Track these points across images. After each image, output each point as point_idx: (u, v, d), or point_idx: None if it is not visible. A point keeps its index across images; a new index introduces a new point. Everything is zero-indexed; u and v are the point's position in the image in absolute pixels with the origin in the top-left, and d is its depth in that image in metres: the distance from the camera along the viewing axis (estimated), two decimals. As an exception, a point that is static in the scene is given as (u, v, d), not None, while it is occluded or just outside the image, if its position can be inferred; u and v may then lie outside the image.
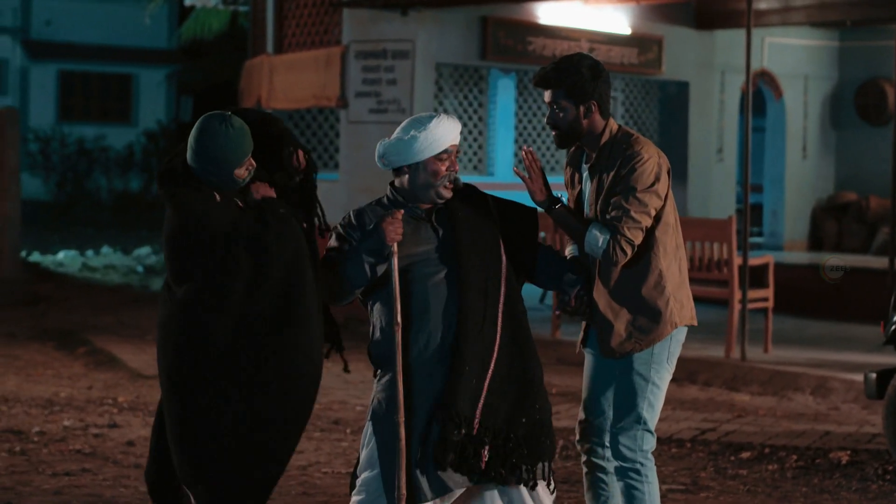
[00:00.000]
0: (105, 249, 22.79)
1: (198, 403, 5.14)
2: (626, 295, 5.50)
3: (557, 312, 5.83)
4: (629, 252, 5.43)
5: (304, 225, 5.32)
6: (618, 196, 5.42)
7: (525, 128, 16.54)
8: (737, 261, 11.68)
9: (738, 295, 11.65)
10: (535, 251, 5.47)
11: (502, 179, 15.52)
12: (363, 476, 5.31)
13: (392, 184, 5.41)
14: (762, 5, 15.75)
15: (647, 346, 5.51)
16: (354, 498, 5.32)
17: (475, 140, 15.84)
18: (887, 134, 17.98)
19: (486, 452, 5.18)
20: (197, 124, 5.24)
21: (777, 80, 17.84)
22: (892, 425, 8.17)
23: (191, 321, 5.14)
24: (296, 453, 8.18)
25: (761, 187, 18.82)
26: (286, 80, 15.10)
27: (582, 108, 5.51)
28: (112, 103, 36.26)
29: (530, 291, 5.43)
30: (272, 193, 5.33)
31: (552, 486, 5.32)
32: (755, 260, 12.16)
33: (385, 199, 5.43)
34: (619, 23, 15.50)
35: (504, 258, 5.33)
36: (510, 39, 14.71)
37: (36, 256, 21.40)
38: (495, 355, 5.23)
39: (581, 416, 5.76)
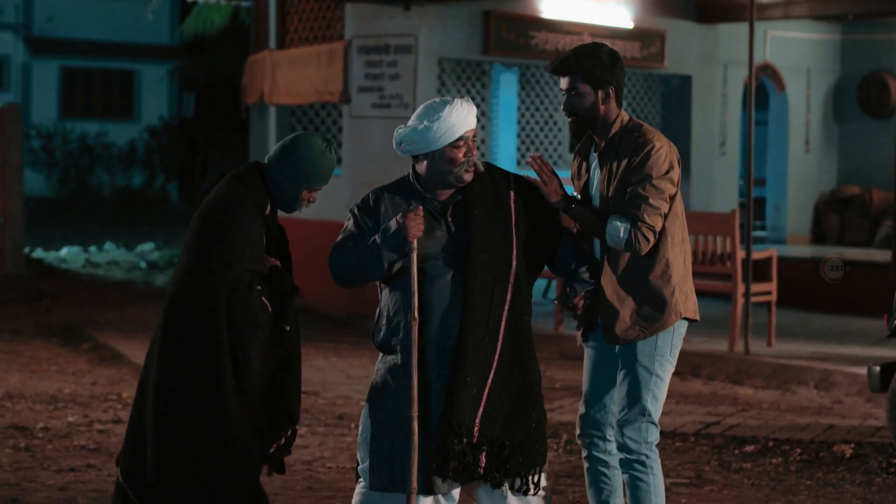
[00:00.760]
0: (108, 245, 22.79)
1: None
2: (632, 282, 5.52)
3: (556, 301, 5.77)
4: (651, 239, 5.45)
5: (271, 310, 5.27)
6: (634, 185, 5.44)
7: (528, 122, 16.53)
8: (740, 254, 11.68)
9: (741, 289, 11.65)
10: (558, 236, 5.44)
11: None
12: (364, 466, 5.33)
13: (413, 168, 5.39)
14: (765, -1, 15.76)
15: (651, 335, 5.52)
16: (359, 488, 5.33)
17: (477, 134, 15.83)
18: (890, 127, 17.96)
19: (483, 458, 5.19)
20: (299, 136, 5.31)
21: (780, 73, 17.84)
22: (895, 418, 8.17)
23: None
24: (301, 448, 8.22)
25: (764, 181, 18.80)
26: (289, 76, 15.10)
27: (600, 94, 5.54)
28: (114, 99, 36.26)
29: (534, 285, 5.42)
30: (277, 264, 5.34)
31: (541, 493, 5.31)
32: (758, 254, 12.16)
33: (405, 183, 5.39)
34: (621, 17, 15.50)
35: (515, 263, 5.27)
36: (513, 34, 14.71)
37: (39, 253, 21.41)
38: (495, 364, 5.21)
39: (581, 410, 5.77)
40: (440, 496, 5.27)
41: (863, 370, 10.22)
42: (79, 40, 35.63)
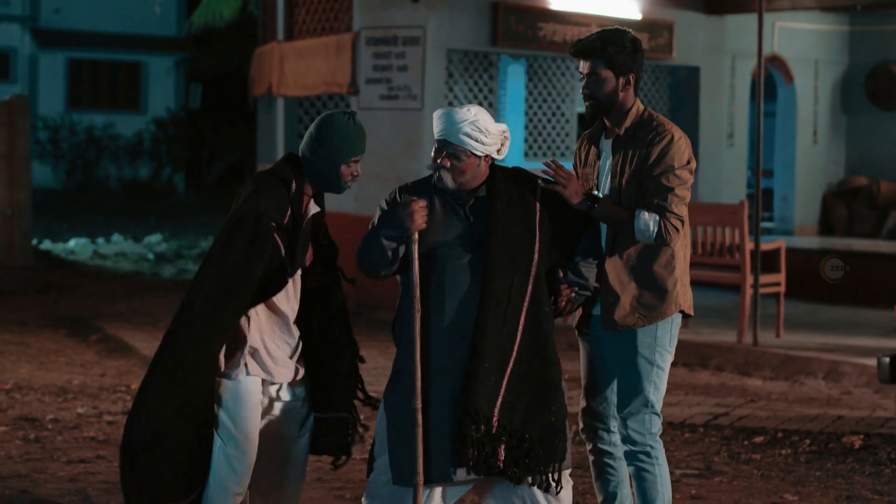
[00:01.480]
0: (116, 237, 22.81)
1: None
2: (636, 269, 5.53)
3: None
4: (680, 228, 5.47)
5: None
6: (657, 176, 5.44)
7: (535, 114, 16.52)
8: (748, 246, 11.67)
9: (749, 280, 11.64)
10: (578, 238, 5.41)
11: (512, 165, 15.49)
12: (380, 459, 5.33)
13: None
14: (772, -10, 15.73)
15: (650, 324, 5.52)
16: (372, 477, 5.34)
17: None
18: (898, 118, 17.98)
19: (502, 452, 5.18)
20: (321, 117, 5.37)
21: (787, 64, 17.82)
22: (905, 409, 8.18)
23: None
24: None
25: (772, 172, 18.81)
26: (296, 67, 15.09)
27: (621, 80, 5.55)
28: (121, 91, 36.28)
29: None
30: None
31: (559, 489, 5.29)
32: (767, 245, 12.15)
33: (430, 178, 5.42)
34: (629, 8, 15.49)
35: (536, 256, 5.27)
36: (521, 25, 14.70)
37: (47, 244, 21.43)
38: (514, 355, 5.21)
39: (583, 403, 5.78)
40: (446, 491, 5.26)
41: (871, 361, 10.23)
42: (85, 32, 35.64)
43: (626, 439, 5.61)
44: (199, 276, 5.27)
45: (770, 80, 18.08)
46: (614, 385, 5.67)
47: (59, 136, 33.54)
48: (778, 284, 12.08)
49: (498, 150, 5.34)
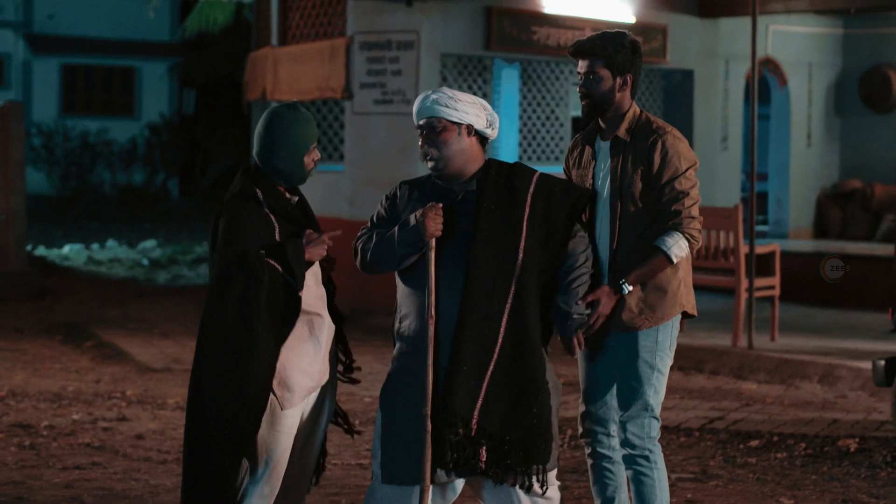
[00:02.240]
0: (110, 243, 22.80)
1: None
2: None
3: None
4: (700, 229, 5.53)
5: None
6: (668, 181, 5.45)
7: (529, 118, 16.52)
8: (743, 249, 11.68)
9: (744, 283, 11.65)
10: (565, 245, 5.30)
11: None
12: (376, 460, 5.32)
13: None
14: (766, -7, 15.75)
15: (654, 325, 5.51)
16: (373, 481, 5.34)
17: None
18: (891, 121, 17.99)
19: (484, 453, 5.17)
20: (264, 116, 5.36)
21: (781, 67, 17.83)
22: (900, 412, 8.18)
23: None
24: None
25: (766, 175, 18.81)
26: (291, 72, 15.09)
27: (618, 81, 5.54)
28: (115, 97, 36.28)
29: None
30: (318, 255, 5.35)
31: (545, 489, 5.28)
32: (761, 248, 12.15)
33: (428, 175, 5.42)
34: (623, 11, 15.49)
35: (521, 256, 5.20)
36: (514, 29, 14.70)
37: (41, 251, 21.41)
38: (495, 358, 5.17)
39: (582, 408, 5.75)
40: (444, 488, 5.26)
41: (866, 364, 10.23)
42: (79, 37, 35.64)
43: (625, 443, 5.60)
44: (202, 340, 5.27)
45: (764, 84, 18.08)
46: (614, 389, 5.66)
47: (54, 142, 33.53)
48: (773, 288, 12.08)
49: (488, 127, 5.30)
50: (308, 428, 5.49)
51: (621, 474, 5.72)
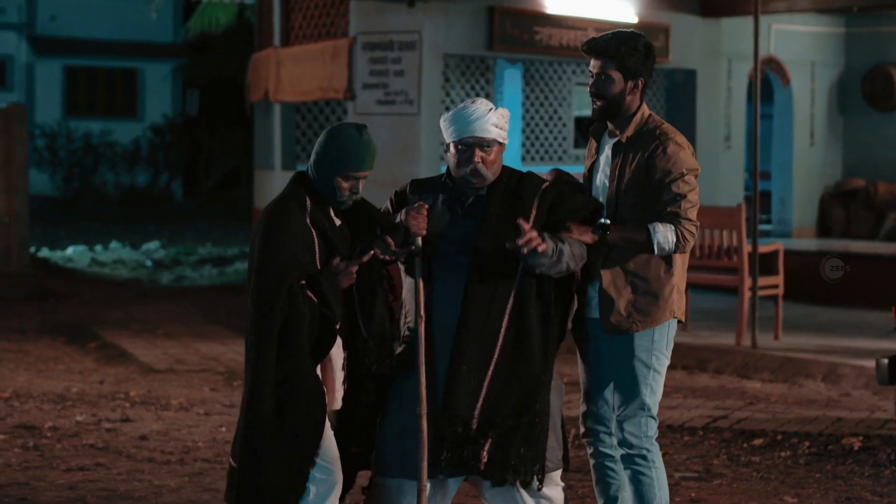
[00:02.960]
0: (114, 244, 22.80)
1: None
2: (633, 274, 5.52)
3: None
4: (695, 233, 5.52)
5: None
6: (667, 183, 5.45)
7: (532, 118, 16.53)
8: (746, 248, 11.68)
9: (748, 282, 11.65)
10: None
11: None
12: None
13: None
14: (768, -8, 15.75)
15: (644, 329, 5.51)
16: (372, 477, 5.35)
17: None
18: (894, 120, 17.98)
19: (485, 454, 5.18)
20: (332, 126, 5.30)
21: (784, 67, 17.83)
22: (904, 411, 8.18)
23: None
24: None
25: (769, 174, 18.80)
26: (293, 73, 15.10)
27: (630, 83, 5.54)
28: (118, 98, 36.30)
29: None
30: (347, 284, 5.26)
31: (545, 488, 5.29)
32: (765, 247, 12.15)
33: (440, 175, 5.43)
34: (625, 11, 15.49)
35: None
36: (517, 29, 14.70)
37: (45, 252, 21.41)
38: (496, 358, 5.20)
39: (583, 407, 5.76)
40: (443, 485, 5.26)
41: (870, 363, 10.23)
42: (82, 39, 35.66)
43: (623, 443, 5.61)
44: (248, 364, 5.21)
45: (766, 83, 18.08)
46: (613, 387, 5.67)
47: (57, 144, 33.54)
48: (776, 287, 12.08)
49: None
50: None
51: (624, 473, 5.73)
